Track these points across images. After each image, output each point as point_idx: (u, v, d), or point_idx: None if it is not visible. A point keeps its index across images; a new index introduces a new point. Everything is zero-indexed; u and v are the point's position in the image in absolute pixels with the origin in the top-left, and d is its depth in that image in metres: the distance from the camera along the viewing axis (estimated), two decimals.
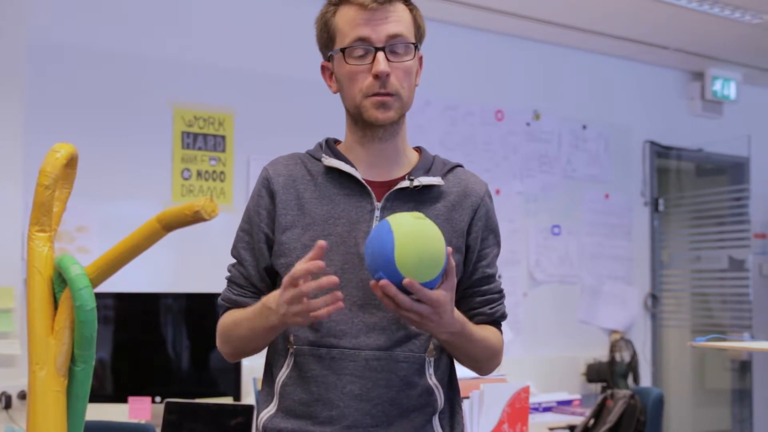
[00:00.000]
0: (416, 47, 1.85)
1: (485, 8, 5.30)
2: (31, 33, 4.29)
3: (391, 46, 1.80)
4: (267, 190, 1.88)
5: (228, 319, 1.89)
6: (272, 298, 1.72)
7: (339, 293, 1.63)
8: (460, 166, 1.97)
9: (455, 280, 1.69)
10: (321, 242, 1.64)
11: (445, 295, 1.66)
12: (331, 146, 1.92)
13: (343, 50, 1.82)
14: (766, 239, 7.03)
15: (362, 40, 1.80)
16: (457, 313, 1.74)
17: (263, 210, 1.87)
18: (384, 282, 1.60)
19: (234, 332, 1.86)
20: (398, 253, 1.59)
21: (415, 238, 1.61)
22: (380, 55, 1.79)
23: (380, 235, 1.63)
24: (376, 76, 1.79)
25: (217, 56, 4.80)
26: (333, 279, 1.61)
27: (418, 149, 1.97)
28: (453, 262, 1.67)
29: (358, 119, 1.86)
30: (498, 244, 1.96)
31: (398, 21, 1.82)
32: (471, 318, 1.87)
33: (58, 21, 4.41)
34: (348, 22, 1.81)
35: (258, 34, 4.90)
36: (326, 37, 1.87)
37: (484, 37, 5.76)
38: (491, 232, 1.93)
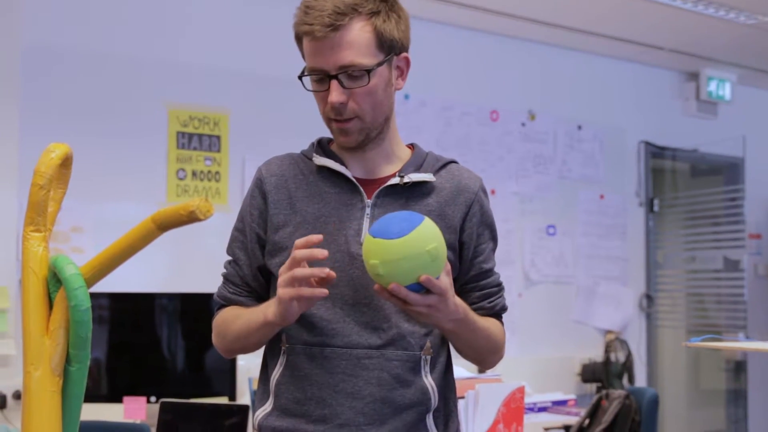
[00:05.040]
0: (370, 71, 1.78)
1: (480, 8, 5.30)
2: (25, 35, 4.29)
3: (344, 72, 1.77)
4: (259, 190, 1.89)
5: (225, 315, 1.90)
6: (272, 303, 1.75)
7: (327, 270, 1.65)
8: (455, 162, 1.97)
9: (449, 265, 1.69)
10: (315, 237, 1.67)
11: (447, 281, 1.67)
12: (323, 146, 1.92)
13: (300, 77, 1.83)
14: (761, 239, 7.05)
15: (314, 70, 1.79)
16: (458, 299, 1.74)
17: (255, 210, 1.89)
18: (394, 286, 1.61)
19: (230, 327, 1.87)
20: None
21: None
22: (333, 84, 1.77)
23: None
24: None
25: (212, 56, 4.80)
26: (326, 270, 1.63)
27: (412, 146, 1.96)
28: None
29: None
30: (494, 239, 1.96)
31: (349, 47, 1.75)
32: None
33: (53, 23, 4.40)
34: (306, 50, 1.80)
35: (252, 34, 4.90)
36: (302, 53, 1.86)
37: (479, 38, 5.76)
38: (487, 227, 1.93)
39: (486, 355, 1.92)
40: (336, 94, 1.76)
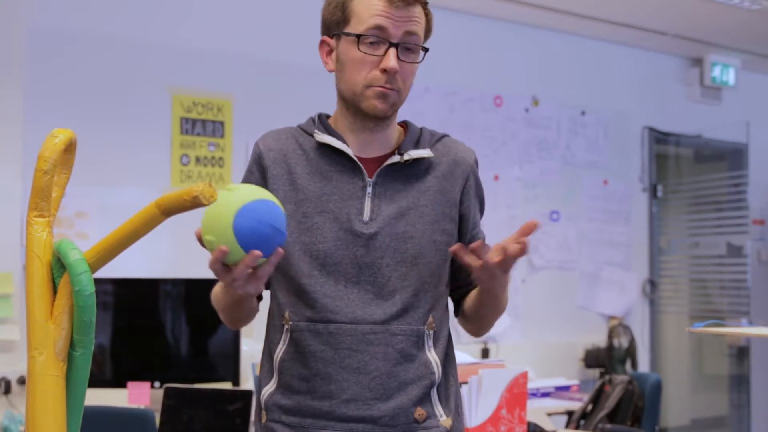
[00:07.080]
0: (426, 50, 1.86)
1: None
2: (30, 19, 4.29)
3: (405, 44, 1.81)
4: (258, 165, 1.92)
5: (215, 290, 1.93)
6: None
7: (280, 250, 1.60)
8: (447, 136, 1.99)
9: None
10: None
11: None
12: (323, 122, 1.92)
13: (358, 36, 1.81)
14: (765, 225, 7.04)
15: (380, 29, 1.79)
16: None
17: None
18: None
19: (218, 305, 1.92)
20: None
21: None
22: (392, 51, 1.80)
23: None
24: (384, 71, 1.80)
25: (216, 42, 4.79)
26: (256, 253, 1.56)
27: (404, 123, 1.97)
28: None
29: (351, 106, 1.86)
30: (483, 210, 2.01)
31: (417, 23, 1.83)
32: (471, 283, 1.91)
33: (57, 7, 4.40)
34: (368, 9, 1.80)
35: (257, 20, 4.89)
36: (339, 17, 1.85)
37: (483, 24, 5.75)
38: (479, 199, 1.98)
39: (498, 316, 1.95)
40: (394, 61, 1.79)
